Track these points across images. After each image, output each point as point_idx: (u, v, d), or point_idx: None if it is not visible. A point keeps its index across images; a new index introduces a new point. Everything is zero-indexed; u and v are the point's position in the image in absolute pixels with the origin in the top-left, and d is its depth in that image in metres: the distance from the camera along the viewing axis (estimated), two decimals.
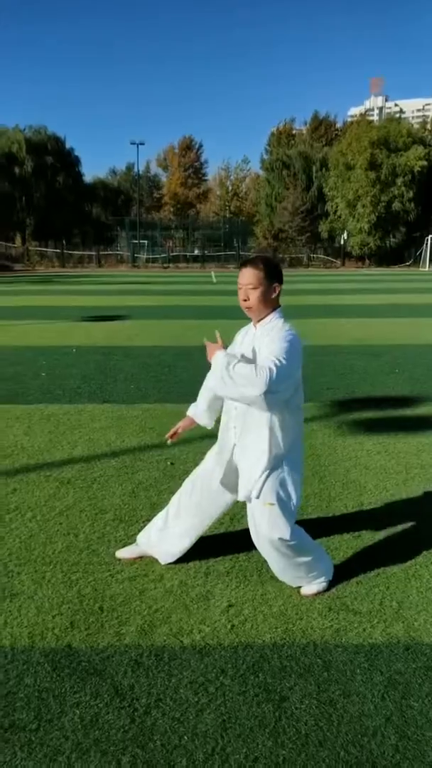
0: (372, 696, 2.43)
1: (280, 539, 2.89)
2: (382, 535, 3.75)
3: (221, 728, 2.27)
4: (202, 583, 3.22)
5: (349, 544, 3.63)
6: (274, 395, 2.65)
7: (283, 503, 2.89)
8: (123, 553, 3.50)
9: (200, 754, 2.16)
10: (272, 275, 2.87)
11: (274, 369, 2.63)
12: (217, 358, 2.78)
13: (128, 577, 3.29)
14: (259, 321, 2.94)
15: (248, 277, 2.86)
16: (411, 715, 2.33)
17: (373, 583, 3.21)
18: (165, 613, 2.96)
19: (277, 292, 2.89)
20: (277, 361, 2.66)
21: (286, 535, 2.88)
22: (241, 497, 3.00)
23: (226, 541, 3.63)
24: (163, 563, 3.38)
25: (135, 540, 3.53)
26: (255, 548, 3.13)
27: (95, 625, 2.88)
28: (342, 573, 3.26)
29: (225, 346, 2.89)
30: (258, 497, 2.90)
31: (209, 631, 2.83)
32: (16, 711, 2.35)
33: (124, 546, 3.54)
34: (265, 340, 2.85)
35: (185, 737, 2.23)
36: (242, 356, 2.90)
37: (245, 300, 2.90)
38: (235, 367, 2.69)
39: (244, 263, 2.92)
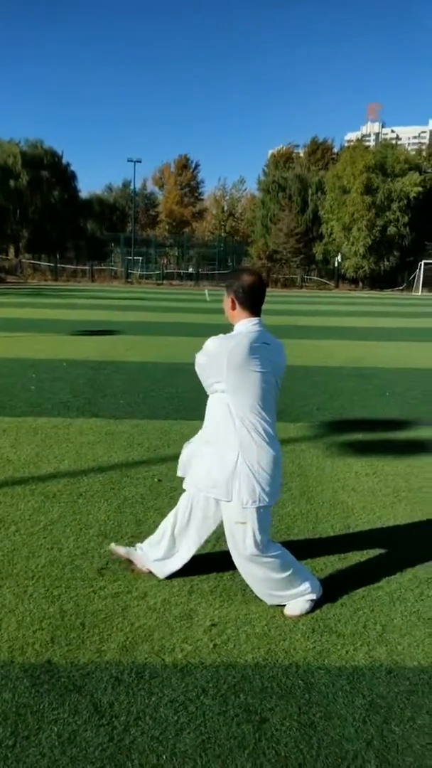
0: (353, 719, 2.41)
1: (254, 555, 2.98)
2: (368, 557, 3.74)
3: (200, 748, 2.24)
4: (186, 602, 3.20)
5: (334, 565, 3.62)
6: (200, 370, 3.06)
7: (252, 518, 2.93)
8: (116, 549, 3.51)
9: None
10: (228, 288, 3.07)
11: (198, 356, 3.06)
12: None
13: (111, 593, 3.26)
14: None
15: None
16: (392, 740, 2.31)
17: (358, 606, 3.20)
18: (147, 631, 2.94)
19: (231, 303, 3.05)
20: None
21: (261, 549, 2.97)
22: (212, 495, 3.05)
23: (210, 560, 3.61)
24: (161, 577, 3.38)
25: (133, 545, 3.54)
26: None
27: (76, 641, 2.84)
28: (327, 595, 3.24)
29: None
30: (229, 500, 2.97)
31: (191, 650, 2.80)
32: None
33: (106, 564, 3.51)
34: None
35: (164, 756, 2.20)
36: None
37: None
38: None
39: None
